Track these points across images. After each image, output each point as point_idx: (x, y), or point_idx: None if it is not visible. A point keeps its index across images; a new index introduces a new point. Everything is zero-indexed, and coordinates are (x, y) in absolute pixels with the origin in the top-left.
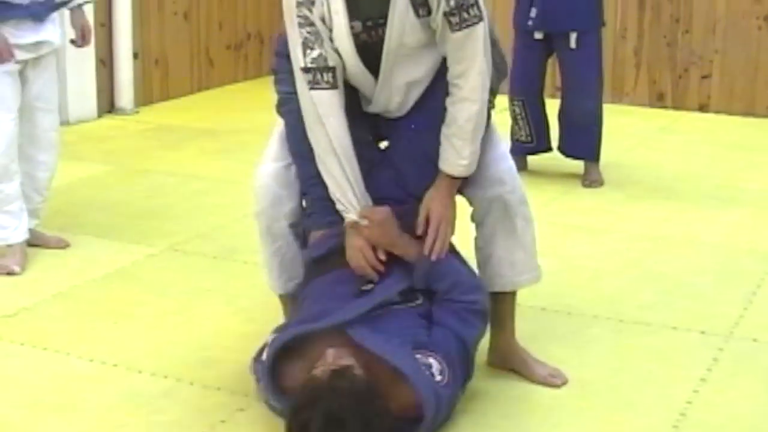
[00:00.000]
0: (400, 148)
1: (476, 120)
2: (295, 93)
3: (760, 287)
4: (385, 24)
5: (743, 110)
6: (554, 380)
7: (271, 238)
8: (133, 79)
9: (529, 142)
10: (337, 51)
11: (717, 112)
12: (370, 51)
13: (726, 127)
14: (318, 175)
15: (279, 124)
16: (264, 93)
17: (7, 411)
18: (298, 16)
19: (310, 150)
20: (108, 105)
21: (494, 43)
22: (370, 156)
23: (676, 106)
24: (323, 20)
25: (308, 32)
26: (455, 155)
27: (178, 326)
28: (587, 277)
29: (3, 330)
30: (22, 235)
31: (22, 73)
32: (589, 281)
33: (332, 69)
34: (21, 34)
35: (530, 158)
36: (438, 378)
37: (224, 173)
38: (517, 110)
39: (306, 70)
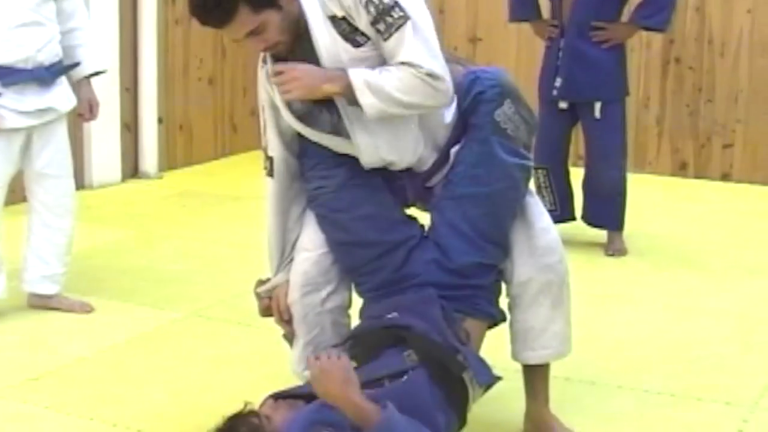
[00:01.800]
0: (440, 221)
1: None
2: (323, 187)
3: None
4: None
5: (766, 179)
6: None
7: (306, 327)
8: (157, 144)
9: (553, 210)
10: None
11: (739, 181)
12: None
13: (749, 196)
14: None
15: (310, 214)
16: None
17: None
18: (262, 100)
19: (352, 239)
20: (132, 169)
21: (520, 98)
22: (406, 233)
23: (699, 175)
24: (271, 105)
25: (264, 119)
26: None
27: (202, 392)
28: (611, 347)
29: (27, 393)
30: None
31: (28, 141)
32: (613, 351)
33: (270, 158)
34: (25, 100)
35: None
36: None
37: (248, 239)
38: (541, 179)
39: (264, 149)
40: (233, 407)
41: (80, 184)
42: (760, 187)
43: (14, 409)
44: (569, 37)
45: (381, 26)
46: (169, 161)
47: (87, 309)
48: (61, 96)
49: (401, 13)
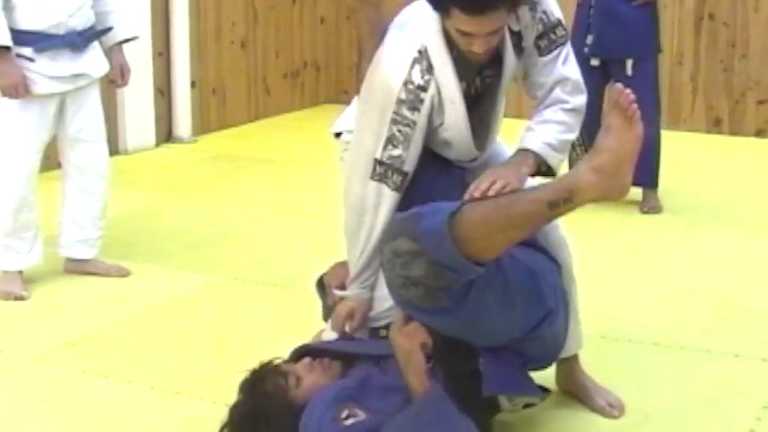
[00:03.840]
0: None
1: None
2: None
3: None
4: (479, 73)
5: None
6: (612, 411)
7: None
8: (190, 108)
9: None
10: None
11: None
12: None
13: None
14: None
15: None
16: (320, 121)
17: None
18: (395, 113)
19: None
20: (166, 134)
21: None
22: None
23: (733, 132)
24: (430, 117)
25: (399, 131)
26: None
27: (239, 354)
28: (647, 304)
29: (65, 358)
30: (32, 262)
31: (62, 106)
32: (649, 308)
33: (404, 174)
34: (58, 66)
35: None
36: (346, 422)
37: (282, 202)
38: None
39: (380, 162)
40: None
41: (115, 149)
42: None
43: (52, 373)
44: None
45: (544, 42)
46: (202, 125)
47: (123, 273)
48: (94, 61)
49: (563, 32)
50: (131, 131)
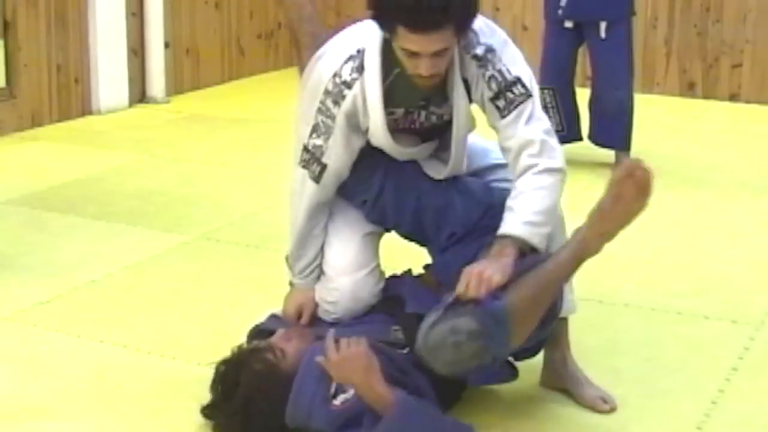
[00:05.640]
0: None
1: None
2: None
3: None
4: (425, 108)
5: None
6: (603, 405)
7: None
8: (164, 68)
9: (560, 131)
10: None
11: (748, 101)
12: (411, 131)
13: (757, 116)
14: None
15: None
16: (294, 82)
17: (42, 398)
18: (321, 103)
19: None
20: (139, 94)
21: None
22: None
23: (707, 96)
24: (351, 116)
25: (323, 121)
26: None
27: (211, 314)
28: (619, 266)
29: (38, 317)
30: None
31: None
32: (620, 270)
33: (323, 165)
34: None
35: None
36: (335, 402)
37: (255, 162)
38: (548, 99)
39: (306, 149)
40: (242, 328)
41: (88, 109)
42: None
43: (25, 332)
44: None
45: (501, 102)
46: (176, 85)
47: None
48: None
49: (523, 90)
50: (104, 91)
